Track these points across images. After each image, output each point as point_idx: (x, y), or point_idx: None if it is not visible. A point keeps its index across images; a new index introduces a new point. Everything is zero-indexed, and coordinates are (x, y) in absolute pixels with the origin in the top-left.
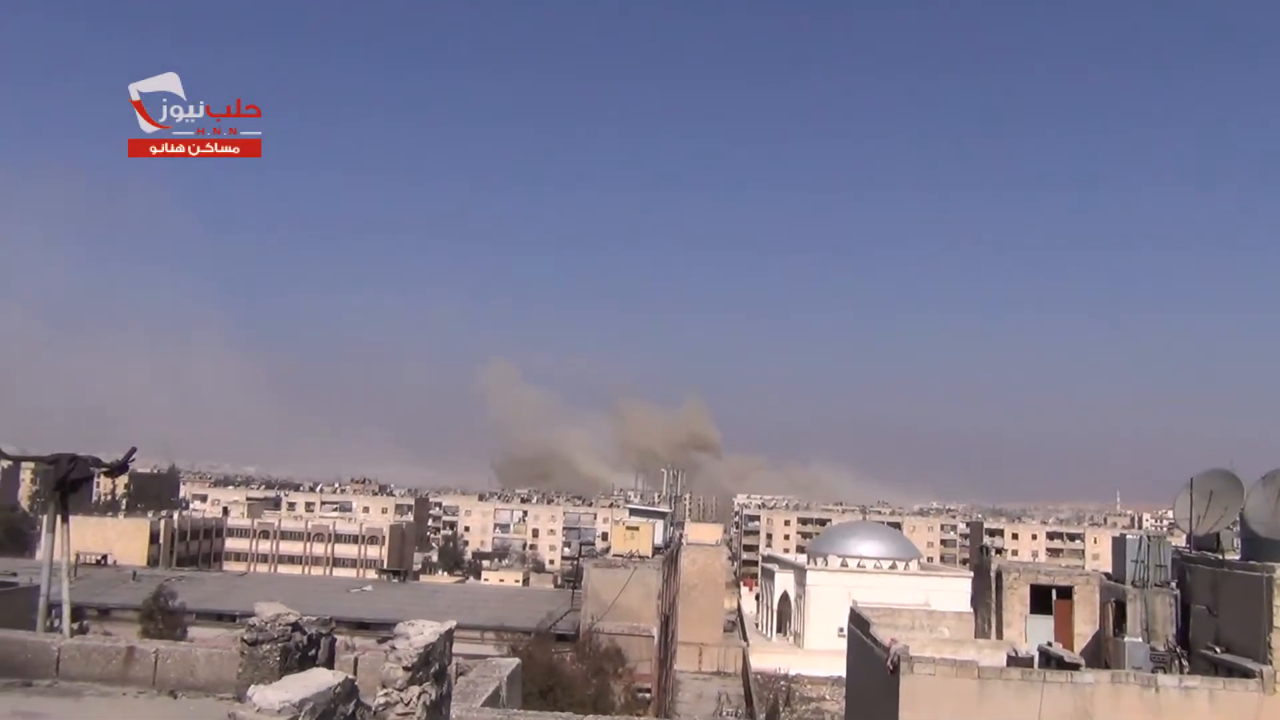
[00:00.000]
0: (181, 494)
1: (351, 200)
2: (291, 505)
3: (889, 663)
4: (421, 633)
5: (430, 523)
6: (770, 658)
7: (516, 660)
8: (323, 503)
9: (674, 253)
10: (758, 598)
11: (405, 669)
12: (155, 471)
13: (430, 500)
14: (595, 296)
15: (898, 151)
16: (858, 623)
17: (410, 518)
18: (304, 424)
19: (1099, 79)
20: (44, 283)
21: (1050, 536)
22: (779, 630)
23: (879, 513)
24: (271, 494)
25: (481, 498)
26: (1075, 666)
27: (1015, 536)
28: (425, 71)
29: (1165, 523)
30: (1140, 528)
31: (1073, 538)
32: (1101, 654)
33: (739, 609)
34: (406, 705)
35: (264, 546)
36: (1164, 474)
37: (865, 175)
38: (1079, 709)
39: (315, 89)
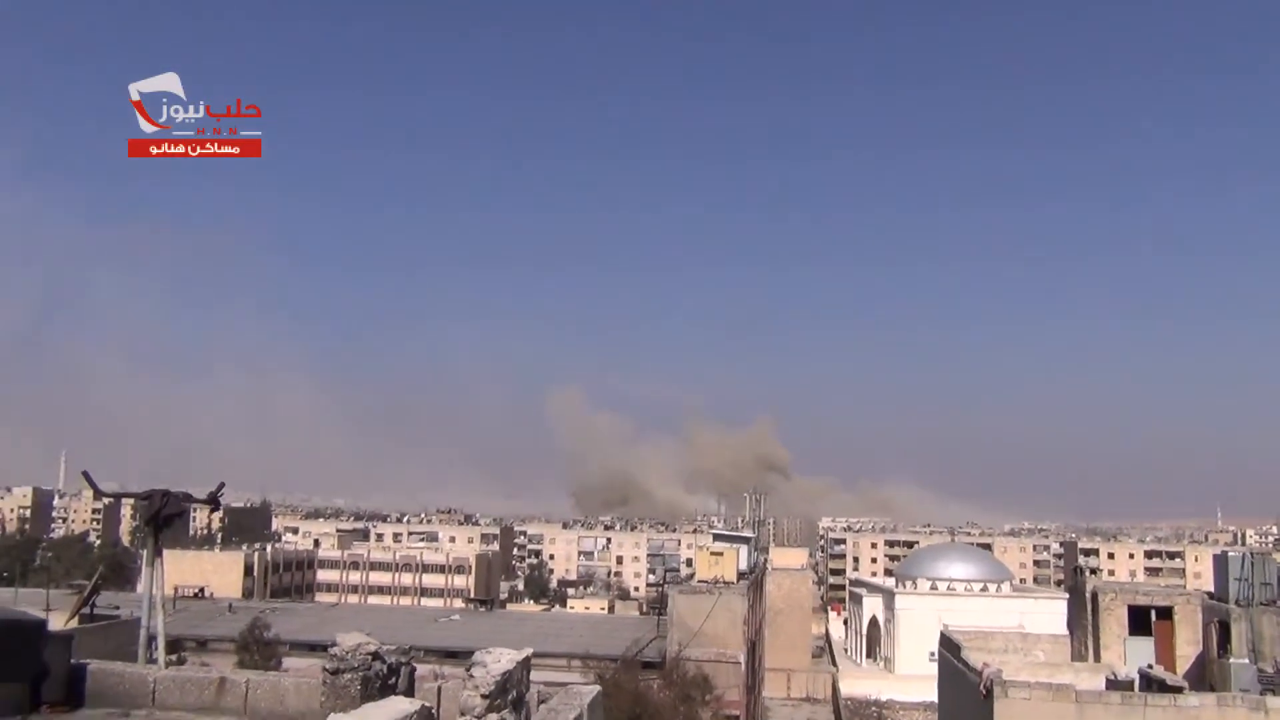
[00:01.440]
0: (274, 527)
1: (421, 229)
2: (380, 536)
3: (982, 687)
4: (499, 660)
5: (515, 551)
6: (860, 683)
7: (598, 688)
8: (410, 533)
9: (741, 273)
10: (846, 622)
11: (483, 696)
12: (248, 505)
13: (515, 529)
14: (662, 319)
15: (977, 163)
16: (949, 646)
17: (496, 546)
18: (389, 456)
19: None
20: (133, 323)
21: (1148, 555)
22: (868, 655)
23: (968, 534)
24: (360, 525)
25: (565, 526)
26: (1178, 690)
27: (1111, 556)
28: (483, 100)
29: (1270, 538)
30: (1243, 544)
31: (1172, 556)
32: (1206, 676)
33: (827, 634)
34: None
35: (354, 577)
36: (1267, 488)
37: (945, 188)
38: None
39: (380, 116)
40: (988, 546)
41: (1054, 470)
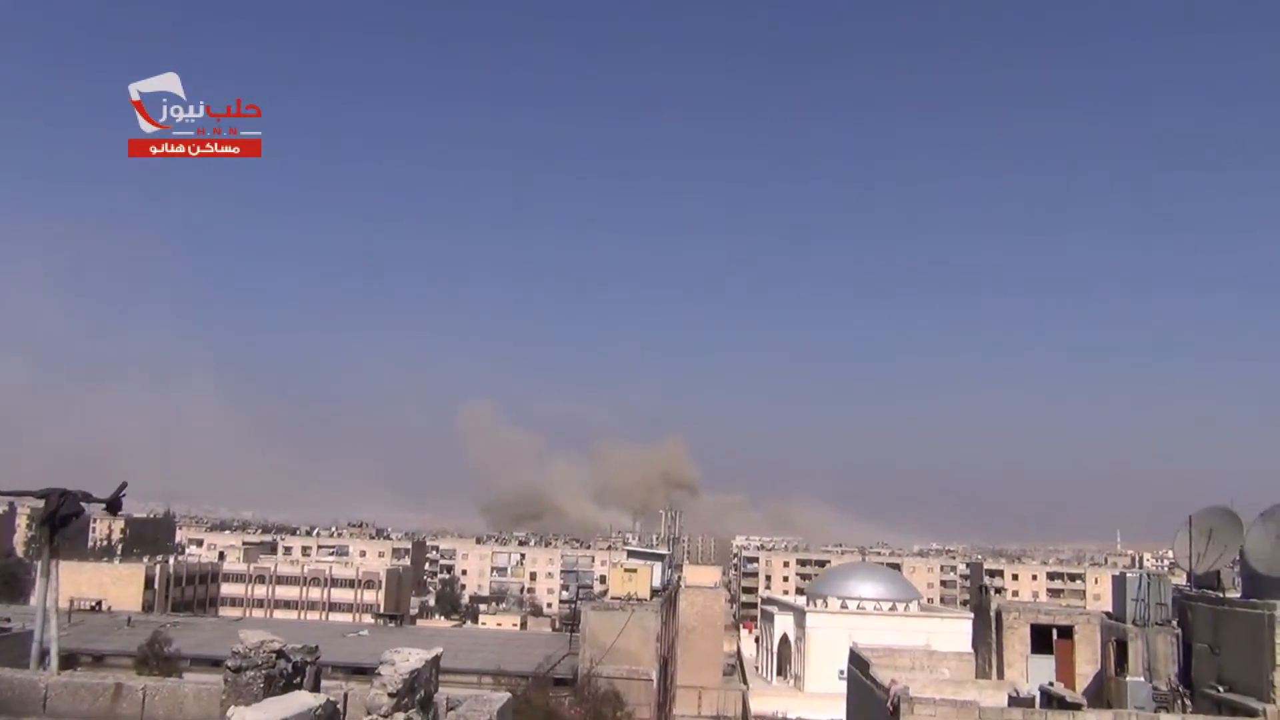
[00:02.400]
0: (178, 539)
1: (334, 238)
2: (288, 550)
3: (889, 704)
4: (408, 659)
5: (427, 566)
6: (770, 701)
7: (508, 694)
8: (319, 547)
9: (650, 292)
10: (757, 640)
11: (390, 695)
12: (151, 516)
13: (427, 544)
14: (569, 336)
15: (886, 191)
16: (858, 664)
17: (407, 561)
18: (300, 470)
19: None
20: (34, 325)
21: (1051, 576)
22: (779, 673)
23: (878, 554)
24: (268, 538)
25: (479, 541)
26: (1077, 706)
27: (1015, 577)
28: (409, 109)
29: (1166, 561)
30: (1141, 567)
31: (1074, 578)
32: (1104, 694)
33: (739, 652)
34: None
35: (260, 591)
36: (1165, 513)
37: (856, 211)
38: None
39: (301, 122)
40: (897, 566)
41: (961, 493)
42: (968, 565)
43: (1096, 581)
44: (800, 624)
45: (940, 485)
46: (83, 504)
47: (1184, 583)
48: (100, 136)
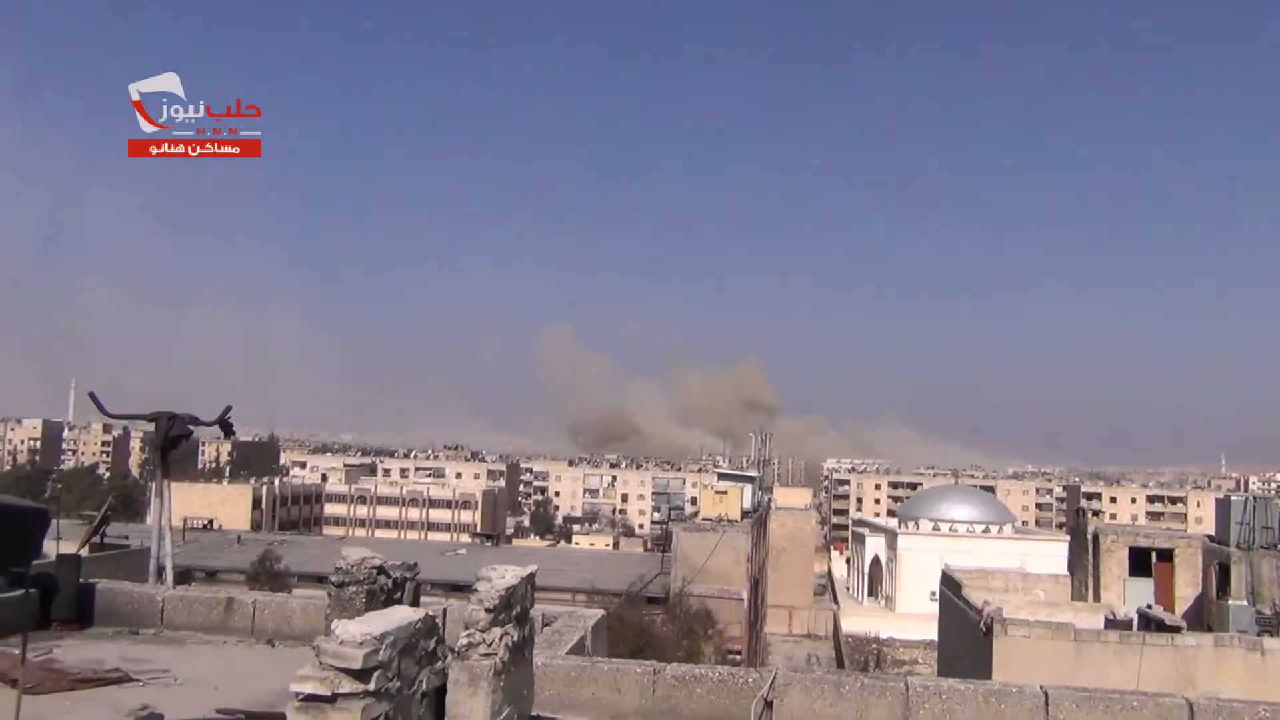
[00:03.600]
0: (281, 461)
1: (416, 169)
2: (387, 471)
3: (982, 625)
4: (504, 576)
5: (521, 488)
6: (861, 621)
7: (602, 611)
8: (417, 469)
9: (726, 216)
10: (848, 562)
11: (487, 610)
12: (256, 439)
13: (521, 466)
14: (645, 260)
15: (972, 112)
16: (950, 585)
17: (502, 483)
18: (391, 396)
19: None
20: (127, 253)
21: (1151, 500)
22: (870, 594)
23: (971, 476)
24: (367, 461)
25: (571, 463)
26: (1177, 629)
27: (1114, 500)
28: (472, 37)
29: (1273, 485)
30: (1246, 490)
31: (1174, 501)
32: (1204, 617)
33: (829, 573)
34: (489, 646)
35: (361, 512)
36: (1273, 437)
37: (939, 133)
38: (1180, 673)
39: (383, 54)
40: (990, 489)
41: (1056, 417)
42: (1064, 488)
43: (1199, 505)
44: (892, 546)
45: (1033, 409)
46: (190, 426)
47: None
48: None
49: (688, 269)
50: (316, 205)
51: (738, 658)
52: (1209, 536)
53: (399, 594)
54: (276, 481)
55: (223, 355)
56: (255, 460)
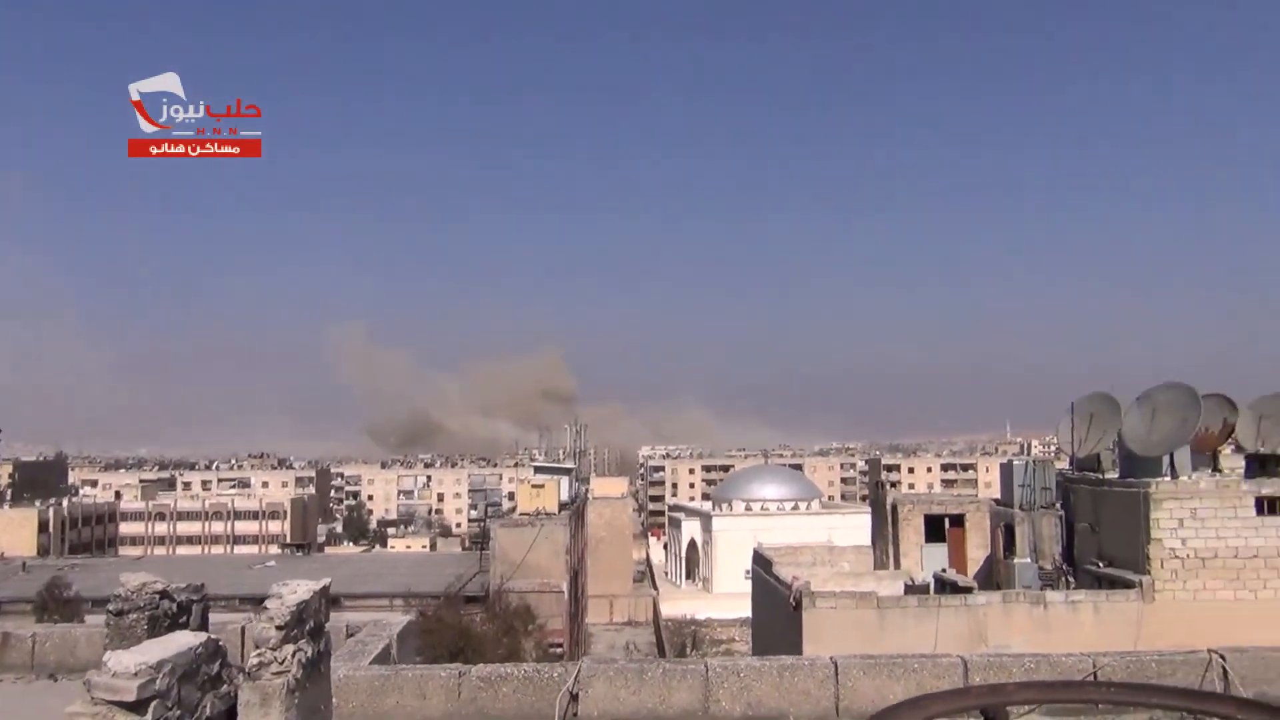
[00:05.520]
0: (70, 480)
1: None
2: (187, 485)
3: (791, 599)
4: (295, 591)
5: (333, 494)
6: (680, 604)
7: (408, 618)
8: (220, 480)
9: (520, 208)
10: (666, 547)
11: (279, 627)
12: (41, 459)
13: (331, 471)
14: (443, 255)
15: (764, 109)
16: (761, 563)
17: (311, 490)
18: (190, 405)
19: None
20: None
21: (945, 468)
22: (688, 577)
23: (781, 456)
24: (166, 475)
25: (384, 465)
26: (969, 590)
27: (911, 470)
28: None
29: (1052, 448)
30: (1029, 454)
31: (966, 468)
32: (994, 576)
33: (648, 559)
34: (281, 664)
35: (161, 529)
36: (1051, 402)
37: (725, 124)
38: (973, 630)
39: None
40: (799, 467)
41: (855, 394)
42: (866, 461)
43: (988, 470)
44: (707, 528)
45: (834, 387)
46: None
47: (1067, 467)
48: None
49: (483, 261)
50: (89, 211)
51: (559, 651)
52: (996, 500)
53: (184, 618)
54: (65, 502)
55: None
56: (41, 481)
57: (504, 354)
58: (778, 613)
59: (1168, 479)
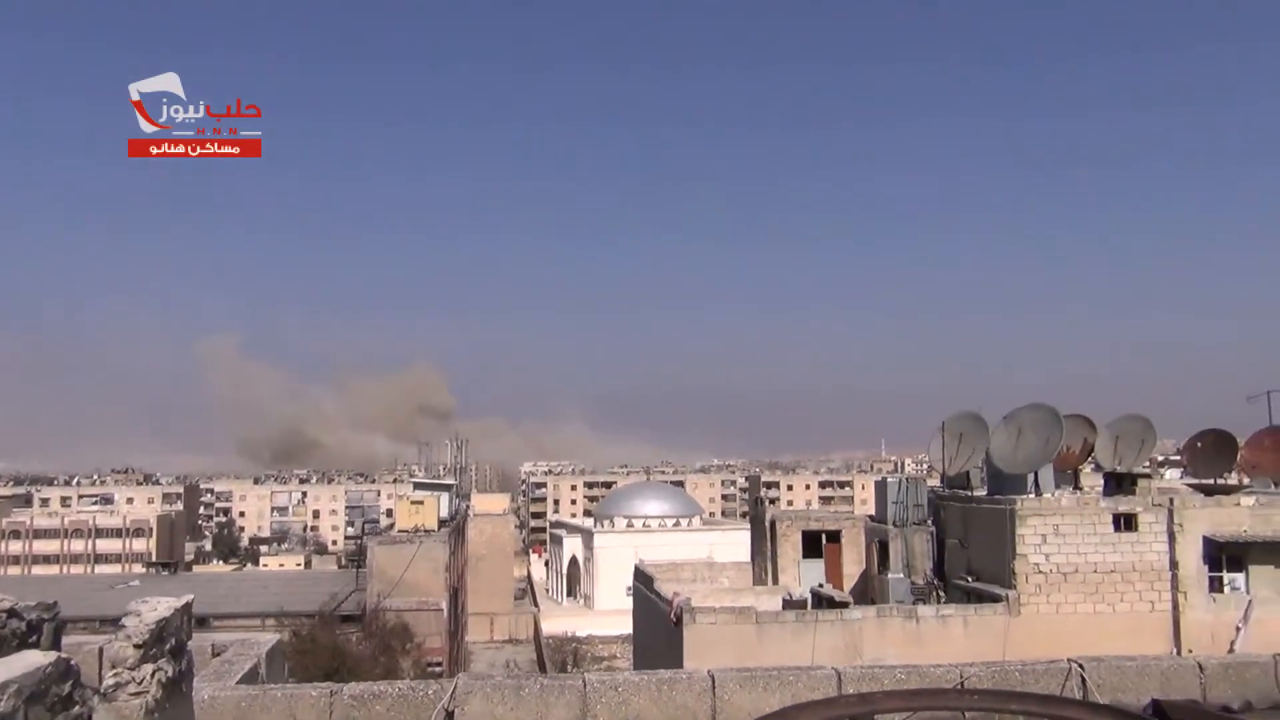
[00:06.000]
0: None
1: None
2: (45, 501)
3: (672, 615)
4: (155, 608)
5: (202, 510)
6: (561, 621)
7: (277, 636)
8: (81, 496)
9: (395, 226)
10: (547, 564)
11: (136, 646)
12: None
13: (201, 487)
14: (308, 269)
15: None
16: (642, 579)
17: (179, 506)
18: (48, 417)
19: None
20: None
21: (822, 485)
22: (569, 594)
23: (663, 473)
24: (22, 490)
25: (257, 481)
26: (845, 605)
27: (790, 488)
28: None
29: (924, 465)
30: (902, 471)
31: (843, 485)
32: (869, 591)
33: (529, 576)
34: (139, 684)
35: (15, 547)
36: (923, 422)
37: (602, 149)
38: (849, 643)
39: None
40: (680, 484)
41: (739, 412)
42: (746, 478)
43: (863, 488)
44: (588, 545)
45: (713, 405)
46: None
47: (939, 484)
48: None
49: (357, 276)
50: None
51: (438, 669)
52: (871, 516)
53: (35, 637)
54: None
55: None
56: None
57: (381, 369)
58: (659, 629)
59: (1032, 496)
